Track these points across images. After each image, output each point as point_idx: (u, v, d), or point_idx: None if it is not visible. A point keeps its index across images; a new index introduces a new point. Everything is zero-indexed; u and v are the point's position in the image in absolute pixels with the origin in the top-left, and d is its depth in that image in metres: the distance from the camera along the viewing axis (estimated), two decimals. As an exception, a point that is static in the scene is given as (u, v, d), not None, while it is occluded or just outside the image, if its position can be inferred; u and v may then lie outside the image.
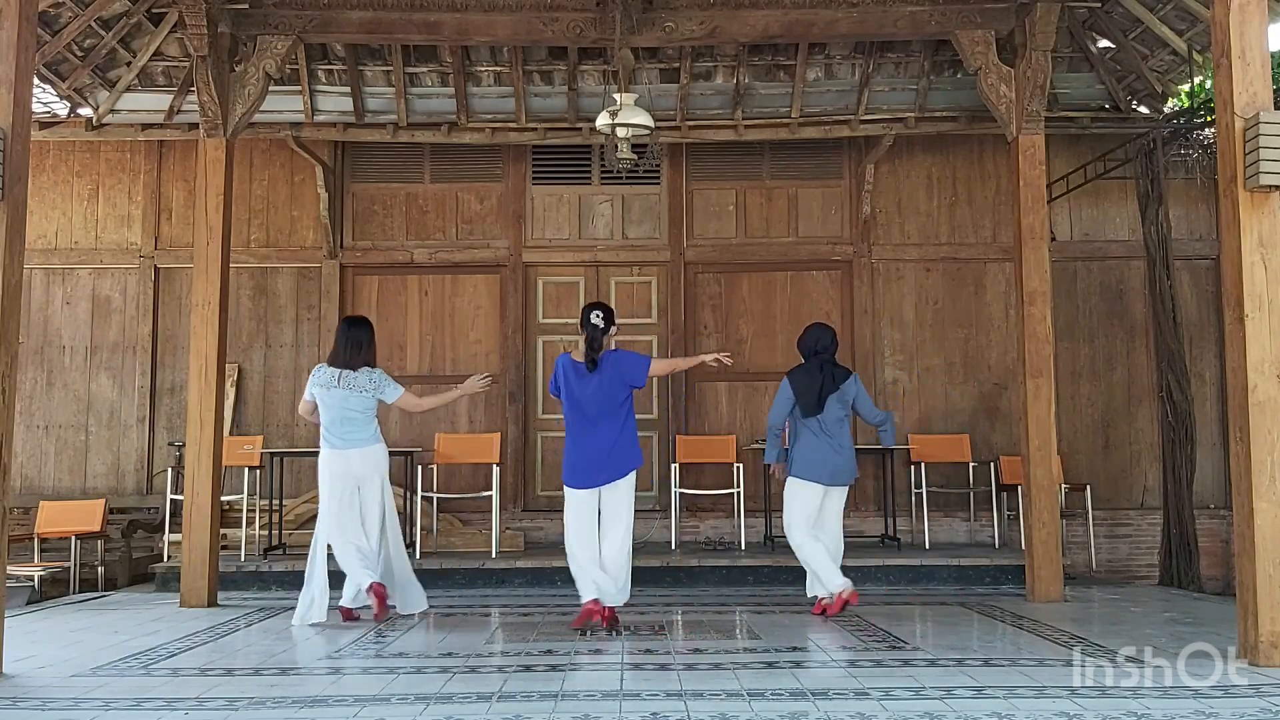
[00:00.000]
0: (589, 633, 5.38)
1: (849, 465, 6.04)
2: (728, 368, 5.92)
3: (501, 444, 8.56)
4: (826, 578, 5.89)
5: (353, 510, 5.82)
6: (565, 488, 5.58)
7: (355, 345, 5.93)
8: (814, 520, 5.99)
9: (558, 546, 8.55)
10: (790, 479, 6.04)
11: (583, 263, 9.46)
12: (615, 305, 9.35)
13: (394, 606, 5.90)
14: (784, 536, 8.64)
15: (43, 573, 7.28)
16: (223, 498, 7.10)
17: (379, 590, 5.67)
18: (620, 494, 5.50)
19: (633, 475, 5.55)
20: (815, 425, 5.96)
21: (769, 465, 6.29)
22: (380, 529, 5.89)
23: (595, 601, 5.40)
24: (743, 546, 8.19)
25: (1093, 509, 8.58)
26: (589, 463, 5.48)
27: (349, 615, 5.89)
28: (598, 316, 5.60)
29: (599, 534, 5.52)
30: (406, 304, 9.42)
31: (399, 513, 8.36)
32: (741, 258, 9.45)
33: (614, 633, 5.36)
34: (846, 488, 6.11)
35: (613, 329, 5.66)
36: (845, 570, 6.09)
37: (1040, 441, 6.68)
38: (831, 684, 4.10)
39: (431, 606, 6.63)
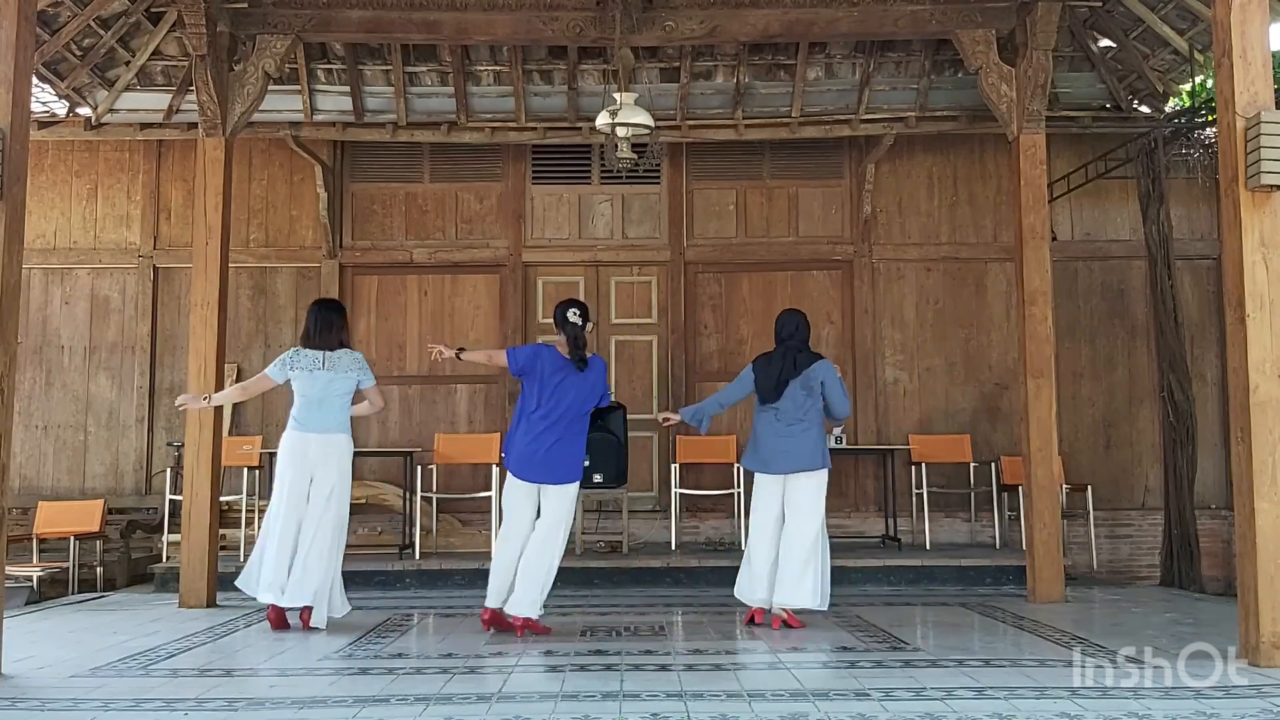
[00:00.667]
0: (588, 633, 5.36)
1: (796, 453, 5.55)
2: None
3: (501, 444, 8.53)
4: (745, 583, 5.66)
5: (299, 502, 5.55)
6: (508, 476, 5.38)
7: (327, 325, 5.71)
8: (777, 516, 5.64)
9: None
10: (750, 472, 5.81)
11: (583, 263, 9.44)
12: (615, 305, 9.41)
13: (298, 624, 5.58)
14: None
15: (42, 573, 7.27)
16: (222, 498, 7.08)
17: (274, 614, 5.53)
18: (564, 500, 5.34)
19: (576, 486, 5.39)
20: (771, 414, 5.67)
21: (671, 416, 6.00)
22: (319, 522, 5.54)
23: (491, 611, 5.30)
24: (743, 546, 8.14)
25: (1094, 509, 8.57)
26: (541, 457, 5.28)
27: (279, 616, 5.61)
28: (575, 314, 5.43)
29: (528, 536, 5.32)
30: (406, 304, 9.41)
31: (397, 513, 8.42)
32: (742, 257, 9.44)
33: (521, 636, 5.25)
34: (806, 479, 5.57)
35: (589, 325, 5.52)
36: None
37: (1041, 442, 6.67)
38: (831, 684, 4.10)
39: (430, 607, 6.64)
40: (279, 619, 5.56)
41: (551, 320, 9.16)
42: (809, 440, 5.60)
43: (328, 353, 5.67)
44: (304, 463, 5.59)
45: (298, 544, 5.54)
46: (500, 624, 5.34)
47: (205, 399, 6.10)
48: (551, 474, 5.33)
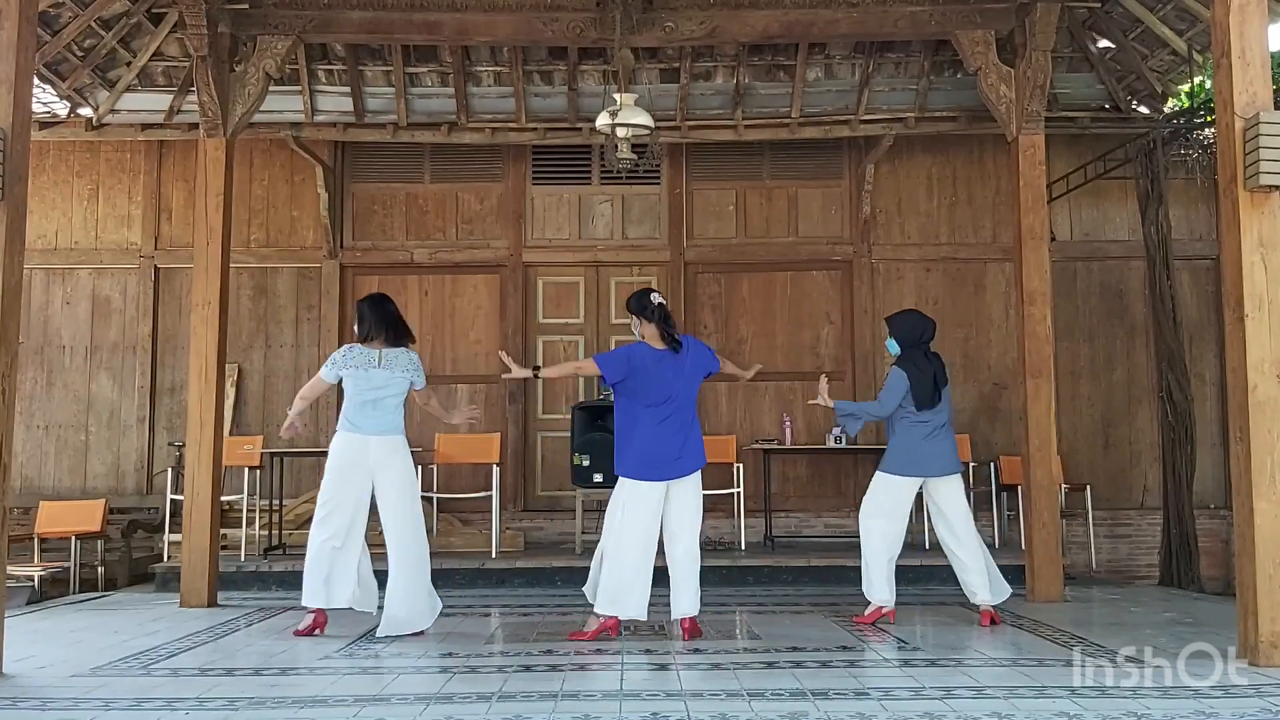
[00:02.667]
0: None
1: (951, 454, 5.65)
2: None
3: (501, 444, 8.55)
4: (872, 580, 5.65)
5: (354, 507, 5.32)
6: (632, 483, 5.11)
7: (395, 322, 5.50)
8: (902, 519, 5.69)
9: (558, 546, 8.63)
10: (881, 475, 5.73)
11: (583, 263, 9.46)
12: (615, 305, 9.41)
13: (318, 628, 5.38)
14: (785, 537, 8.71)
15: (43, 573, 7.27)
16: (223, 498, 7.09)
17: (319, 619, 5.37)
18: (691, 491, 5.17)
19: (700, 473, 5.23)
20: (917, 420, 5.60)
21: (824, 400, 5.83)
22: (400, 522, 5.31)
23: (614, 620, 5.12)
24: (743, 546, 8.19)
25: (1093, 509, 8.58)
26: (666, 453, 5.08)
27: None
28: (658, 297, 5.24)
29: (665, 538, 5.16)
30: (406, 304, 9.34)
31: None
32: (741, 258, 9.45)
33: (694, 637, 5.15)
34: (955, 483, 5.69)
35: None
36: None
37: (1040, 441, 6.68)
38: (831, 684, 4.10)
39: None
40: (315, 625, 5.36)
41: (551, 319, 9.39)
42: (952, 441, 5.75)
43: (385, 350, 5.43)
44: (359, 468, 5.33)
45: (361, 550, 5.35)
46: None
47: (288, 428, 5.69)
48: (689, 464, 5.16)
